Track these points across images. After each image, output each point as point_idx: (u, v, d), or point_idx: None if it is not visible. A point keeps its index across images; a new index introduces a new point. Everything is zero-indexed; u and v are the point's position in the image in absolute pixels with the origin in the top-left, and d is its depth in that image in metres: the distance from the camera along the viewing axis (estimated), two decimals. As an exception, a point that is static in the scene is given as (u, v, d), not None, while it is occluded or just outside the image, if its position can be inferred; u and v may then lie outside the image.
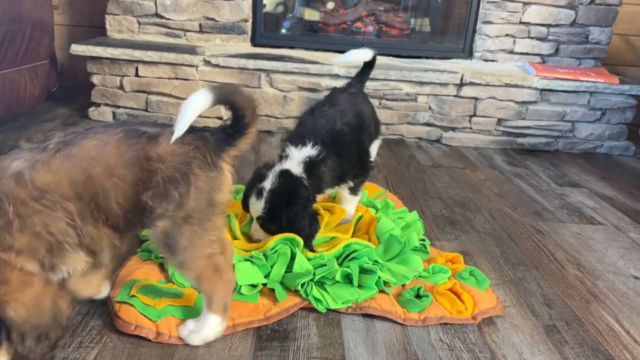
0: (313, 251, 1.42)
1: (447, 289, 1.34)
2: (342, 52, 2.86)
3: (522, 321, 1.32)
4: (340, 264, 1.39)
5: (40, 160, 0.97)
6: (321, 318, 1.27)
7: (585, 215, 2.03)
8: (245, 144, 1.12)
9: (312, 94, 2.72)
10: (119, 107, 2.73)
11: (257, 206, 1.45)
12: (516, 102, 2.80)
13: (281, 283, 1.33)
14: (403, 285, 1.38)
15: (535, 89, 2.78)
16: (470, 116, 2.82)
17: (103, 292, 1.25)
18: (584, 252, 1.72)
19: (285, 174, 1.46)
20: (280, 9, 3.29)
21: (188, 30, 2.95)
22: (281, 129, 2.78)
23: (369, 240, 1.52)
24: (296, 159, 1.49)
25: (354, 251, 1.42)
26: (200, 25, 2.94)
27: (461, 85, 2.75)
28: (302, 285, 1.29)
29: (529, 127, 2.84)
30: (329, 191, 1.60)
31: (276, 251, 1.36)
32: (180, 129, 1.04)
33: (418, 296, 1.33)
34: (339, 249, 1.43)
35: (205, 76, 2.67)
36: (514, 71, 2.90)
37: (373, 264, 1.37)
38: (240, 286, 1.28)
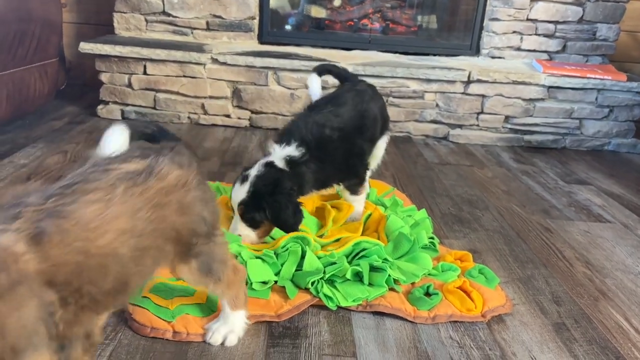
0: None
1: (456, 287, 1.35)
2: (349, 49, 2.88)
3: (531, 319, 1.33)
4: (350, 262, 1.40)
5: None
6: (332, 315, 1.28)
7: (593, 213, 2.03)
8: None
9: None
10: (127, 105, 2.74)
11: (241, 191, 1.45)
12: (523, 100, 2.80)
13: (291, 281, 1.35)
14: (412, 283, 1.39)
15: (543, 86, 2.77)
16: (478, 113, 2.82)
17: None
18: (592, 250, 1.73)
19: (270, 165, 1.48)
20: (287, 6, 3.30)
21: (195, 28, 2.95)
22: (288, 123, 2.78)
23: (378, 238, 1.53)
24: (278, 156, 1.50)
25: (364, 249, 1.43)
26: (207, 23, 2.95)
27: (468, 82, 2.75)
28: (313, 283, 1.30)
29: (536, 125, 2.84)
30: (313, 193, 1.58)
31: (287, 249, 1.37)
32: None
33: (428, 294, 1.34)
34: (348, 247, 1.44)
35: (213, 74, 2.68)
36: (521, 68, 2.90)
37: (383, 262, 1.38)
38: (252, 282, 1.29)
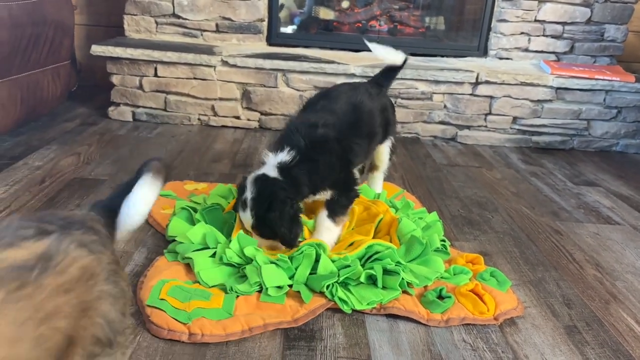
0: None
1: (469, 290, 1.37)
2: (357, 50, 2.89)
3: (542, 322, 1.34)
4: (363, 265, 1.42)
5: None
6: (346, 318, 1.30)
7: (602, 215, 2.04)
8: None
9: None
10: (138, 106, 2.77)
11: (247, 217, 1.44)
12: (531, 101, 2.81)
13: (306, 284, 1.36)
14: (425, 287, 1.41)
15: (551, 87, 2.78)
16: (486, 114, 2.84)
17: None
18: (602, 253, 1.74)
19: (260, 179, 1.44)
20: (295, 8, 3.32)
21: (205, 30, 2.98)
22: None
23: (390, 241, 1.55)
24: (271, 164, 1.47)
25: (377, 252, 1.45)
26: (216, 25, 2.97)
27: (476, 83, 2.77)
28: (328, 287, 1.32)
29: (544, 126, 2.85)
30: (310, 198, 1.54)
31: (302, 252, 1.39)
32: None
33: (440, 297, 1.36)
34: (361, 250, 1.46)
35: (223, 76, 2.71)
36: (530, 69, 2.91)
37: (396, 265, 1.39)
38: (267, 288, 1.31)
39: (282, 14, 3.16)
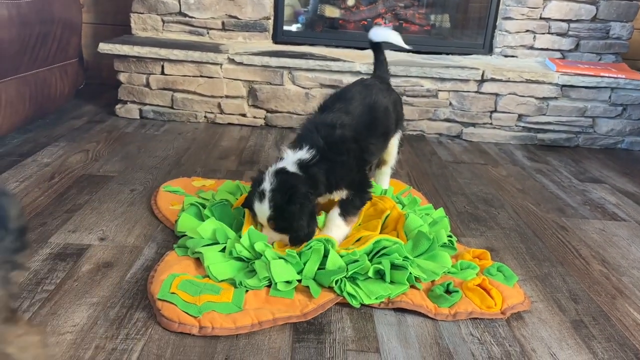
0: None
1: (476, 284, 1.38)
2: (363, 48, 2.90)
3: (549, 316, 1.35)
4: (370, 260, 1.43)
5: None
6: (354, 312, 1.31)
7: (608, 211, 2.05)
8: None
9: (333, 90, 2.74)
10: (145, 104, 2.78)
11: (264, 210, 1.44)
12: (537, 98, 2.81)
13: (314, 279, 1.38)
14: (433, 281, 1.42)
15: (556, 85, 2.79)
16: (491, 112, 2.84)
17: None
18: (608, 248, 1.75)
19: (282, 172, 1.45)
20: (300, 6, 3.33)
21: (211, 29, 2.99)
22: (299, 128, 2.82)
23: (397, 237, 1.56)
24: (290, 160, 1.48)
25: (384, 247, 1.46)
26: (223, 23, 2.98)
27: (482, 81, 2.77)
28: (336, 282, 1.33)
29: (549, 123, 2.86)
30: (326, 196, 1.55)
31: (310, 247, 1.41)
32: None
33: (448, 292, 1.37)
34: (369, 245, 1.47)
35: (229, 74, 2.72)
36: (535, 67, 2.91)
37: (403, 260, 1.41)
38: (276, 283, 1.33)
39: (288, 12, 3.18)
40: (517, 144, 2.88)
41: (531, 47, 3.12)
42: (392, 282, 1.37)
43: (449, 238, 1.60)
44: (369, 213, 1.72)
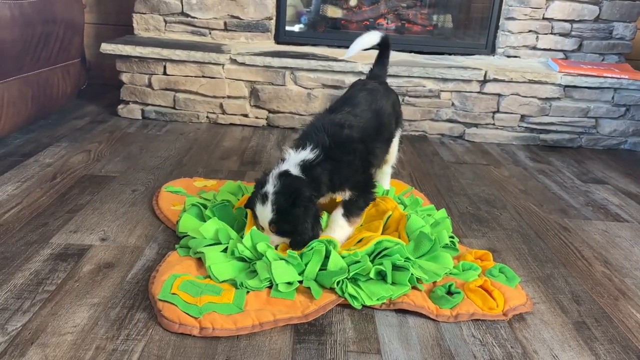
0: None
1: (478, 286, 1.38)
2: (365, 49, 2.89)
3: (551, 317, 1.35)
4: (372, 261, 1.43)
5: None
6: (355, 313, 1.31)
7: (610, 212, 2.04)
8: None
9: (335, 91, 2.75)
10: (147, 104, 2.79)
11: (266, 212, 1.43)
12: (539, 99, 2.81)
13: (316, 280, 1.37)
14: (434, 282, 1.41)
15: (559, 85, 2.78)
16: (494, 112, 2.84)
17: None
18: (610, 250, 1.74)
19: (285, 175, 1.44)
20: (302, 7, 3.33)
21: (213, 29, 2.99)
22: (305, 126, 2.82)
23: (399, 238, 1.55)
24: (292, 162, 1.47)
25: (386, 248, 1.45)
26: (225, 24, 2.99)
27: (484, 81, 2.76)
28: (338, 283, 1.33)
29: (552, 124, 2.85)
30: (328, 196, 1.55)
31: (312, 248, 1.40)
32: None
33: (449, 293, 1.36)
34: (370, 247, 1.47)
35: (232, 74, 2.72)
36: (538, 67, 2.90)
37: (405, 261, 1.40)
38: (277, 284, 1.32)
39: (291, 13, 3.18)
40: (519, 144, 2.87)
41: (534, 48, 3.11)
42: (393, 283, 1.36)
43: (451, 239, 1.59)
44: (371, 214, 1.72)
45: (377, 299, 1.32)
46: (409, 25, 3.29)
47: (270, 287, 1.34)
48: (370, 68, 2.01)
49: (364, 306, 1.33)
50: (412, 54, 3.08)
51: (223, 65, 2.70)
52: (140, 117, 2.80)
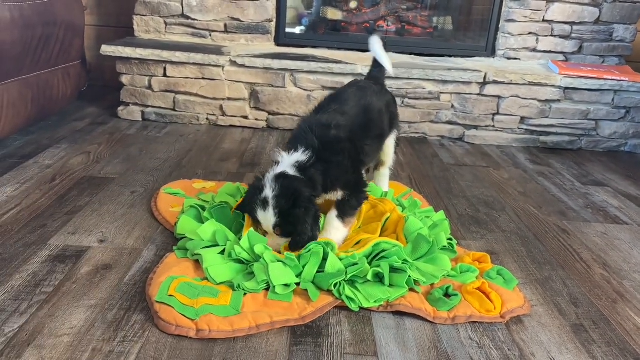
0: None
1: (475, 288, 1.38)
2: (365, 51, 2.89)
3: (549, 320, 1.34)
4: (369, 263, 1.43)
5: None
6: (352, 315, 1.31)
7: (610, 215, 2.04)
8: None
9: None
10: (147, 106, 2.79)
11: (268, 217, 1.43)
12: (539, 101, 2.80)
13: (313, 283, 1.37)
14: (432, 285, 1.41)
15: (559, 87, 2.78)
16: (493, 114, 2.83)
17: None
18: (609, 252, 1.74)
19: (282, 176, 1.44)
20: (303, 9, 3.33)
21: (213, 31, 3.00)
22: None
23: (397, 240, 1.55)
24: (287, 163, 1.47)
25: (383, 250, 1.45)
26: (225, 26, 2.99)
27: (484, 83, 2.76)
28: (335, 285, 1.33)
29: (552, 126, 2.84)
30: (322, 197, 1.54)
31: (309, 250, 1.40)
32: None
33: (447, 295, 1.36)
34: (368, 248, 1.47)
35: (232, 76, 2.72)
36: (538, 70, 2.90)
37: (403, 263, 1.40)
38: (275, 286, 1.32)
39: (292, 15, 3.18)
40: (519, 146, 2.87)
41: (534, 50, 3.11)
42: (391, 285, 1.36)
43: (449, 241, 1.59)
44: (369, 215, 1.72)
45: (375, 301, 1.31)
46: (409, 27, 3.29)
47: (267, 289, 1.34)
48: (368, 70, 2.00)
49: (361, 308, 1.32)
50: (412, 56, 3.08)
51: (223, 67, 2.71)
52: (141, 119, 2.81)
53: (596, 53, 3.11)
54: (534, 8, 3.02)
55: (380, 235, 1.59)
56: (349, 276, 1.35)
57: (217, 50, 2.77)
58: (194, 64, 2.69)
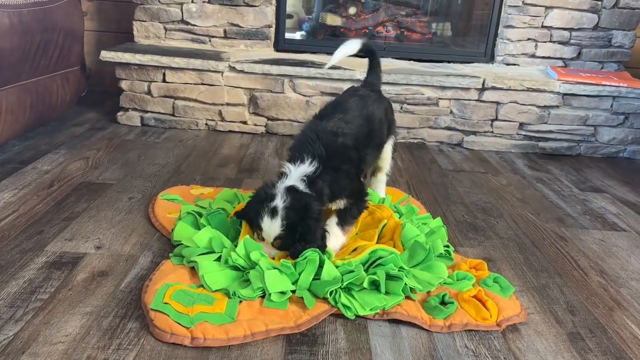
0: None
1: (471, 296, 1.37)
2: (364, 57, 2.90)
3: (545, 328, 1.34)
4: (366, 271, 1.42)
5: None
6: (348, 323, 1.31)
7: (608, 222, 2.03)
8: None
9: (334, 98, 2.75)
10: (146, 111, 2.80)
11: (274, 226, 1.43)
12: (538, 107, 2.80)
13: (309, 290, 1.37)
14: (428, 292, 1.41)
15: (558, 93, 2.78)
16: (492, 120, 2.84)
17: None
18: (607, 259, 1.73)
19: (294, 190, 1.44)
20: (303, 14, 3.34)
21: (213, 36, 3.01)
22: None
23: (394, 247, 1.55)
24: (295, 176, 1.47)
25: (380, 257, 1.45)
26: (224, 31, 3.00)
27: (483, 89, 2.77)
28: (331, 293, 1.33)
29: (550, 132, 2.84)
30: (328, 205, 1.54)
31: (305, 257, 1.40)
32: None
33: (443, 303, 1.36)
34: (364, 256, 1.46)
35: (230, 82, 2.73)
36: (536, 75, 2.90)
37: (399, 271, 1.40)
38: (270, 293, 1.32)
39: (292, 20, 3.19)
40: (518, 152, 2.87)
41: (533, 56, 3.11)
42: (387, 292, 1.36)
43: (446, 248, 1.59)
44: (366, 222, 1.72)
45: (371, 309, 1.31)
46: (408, 33, 3.30)
47: (263, 297, 1.34)
48: (364, 77, 2.01)
49: (358, 316, 1.32)
50: (411, 61, 3.08)
51: (222, 72, 2.71)
52: (140, 124, 2.81)
53: (595, 59, 3.12)
54: (532, 14, 3.03)
55: (377, 242, 1.59)
56: (345, 284, 1.35)
57: (216, 56, 2.78)
58: (193, 69, 2.70)
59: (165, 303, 1.27)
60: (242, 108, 2.79)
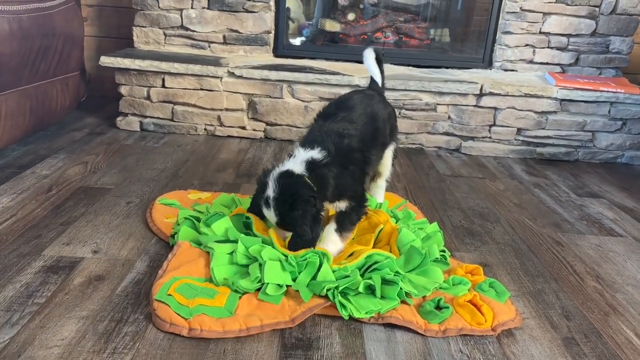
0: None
1: (467, 300, 1.38)
2: (362, 62, 2.91)
3: (540, 333, 1.34)
4: (362, 275, 1.43)
5: None
6: (343, 328, 1.31)
7: (605, 227, 2.04)
8: None
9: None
10: (146, 117, 2.81)
11: (271, 215, 1.47)
12: (536, 112, 2.81)
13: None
14: (424, 297, 1.41)
15: (555, 99, 2.79)
16: (490, 126, 2.85)
17: None
18: (603, 264, 1.74)
19: (285, 175, 1.45)
20: (302, 20, 3.35)
21: (212, 42, 3.02)
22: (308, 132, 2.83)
23: (390, 251, 1.56)
24: (299, 158, 1.48)
25: (376, 262, 1.46)
26: (224, 37, 3.01)
27: (481, 95, 2.78)
28: (329, 289, 1.33)
29: (548, 137, 2.85)
30: (327, 205, 1.53)
31: (305, 259, 1.41)
32: None
33: (438, 307, 1.36)
34: (360, 260, 1.47)
35: (229, 87, 2.74)
36: (534, 81, 2.91)
37: (395, 275, 1.40)
38: (267, 285, 1.33)
39: (292, 26, 3.20)
40: (516, 157, 2.88)
41: (531, 61, 3.12)
42: (382, 297, 1.36)
43: (442, 253, 1.59)
44: (363, 226, 1.72)
45: (366, 312, 1.32)
46: (407, 39, 3.31)
47: (260, 289, 1.36)
48: (368, 82, 2.02)
49: (353, 320, 1.33)
50: (410, 67, 3.09)
51: (221, 78, 2.73)
52: (139, 129, 2.82)
53: (593, 65, 3.13)
54: (530, 20, 3.04)
55: (374, 247, 1.60)
56: (340, 288, 1.36)
57: (216, 62, 2.79)
58: (192, 75, 2.71)
59: (169, 295, 1.30)
60: (240, 113, 2.80)
